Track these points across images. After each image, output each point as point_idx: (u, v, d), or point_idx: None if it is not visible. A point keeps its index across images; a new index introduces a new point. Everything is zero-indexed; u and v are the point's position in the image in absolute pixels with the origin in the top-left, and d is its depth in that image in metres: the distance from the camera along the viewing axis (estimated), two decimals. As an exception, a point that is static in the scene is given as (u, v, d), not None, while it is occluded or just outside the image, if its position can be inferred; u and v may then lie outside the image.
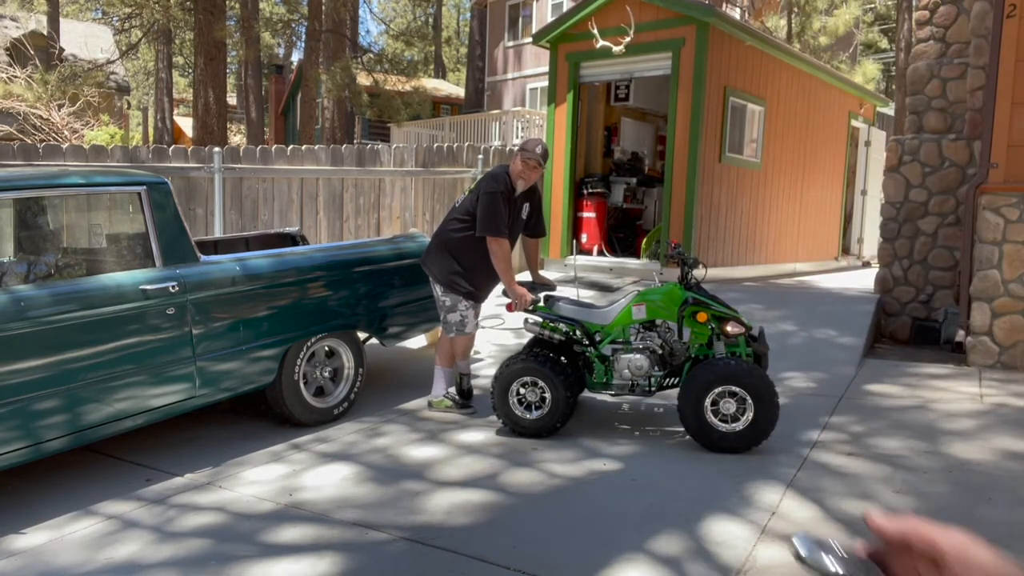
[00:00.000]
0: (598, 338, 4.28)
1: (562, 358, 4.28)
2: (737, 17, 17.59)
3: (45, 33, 22.50)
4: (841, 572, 0.55)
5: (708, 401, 3.90)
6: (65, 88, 14.66)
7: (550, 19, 16.18)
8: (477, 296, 4.61)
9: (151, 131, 30.43)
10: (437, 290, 4.54)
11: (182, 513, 3.27)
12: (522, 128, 17.16)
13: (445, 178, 8.94)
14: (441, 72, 36.86)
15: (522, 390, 4.18)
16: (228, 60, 20.58)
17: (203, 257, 3.98)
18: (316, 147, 8.48)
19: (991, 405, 4.77)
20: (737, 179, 9.15)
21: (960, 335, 6.11)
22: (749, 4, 19.94)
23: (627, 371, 4.16)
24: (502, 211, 4.33)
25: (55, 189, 3.58)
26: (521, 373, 4.15)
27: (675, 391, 4.16)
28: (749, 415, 3.87)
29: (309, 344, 4.40)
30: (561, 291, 4.60)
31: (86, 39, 24.58)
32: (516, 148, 4.62)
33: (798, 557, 0.56)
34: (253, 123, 24.44)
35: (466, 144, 10.11)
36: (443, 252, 4.52)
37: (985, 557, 0.53)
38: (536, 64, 21.19)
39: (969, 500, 3.33)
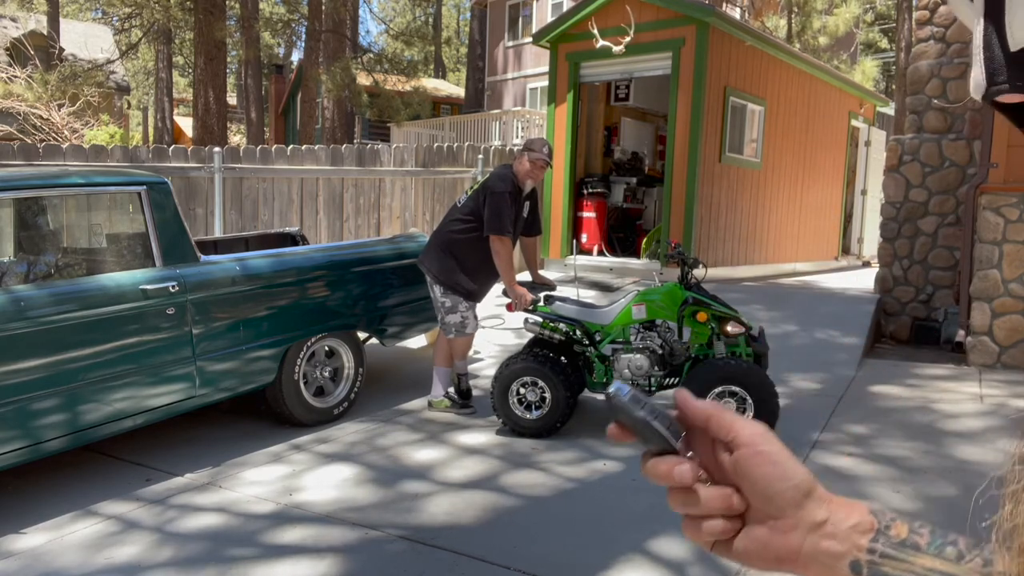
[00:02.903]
0: (598, 338, 4.28)
1: (562, 358, 4.28)
2: (737, 17, 17.59)
3: (45, 33, 22.50)
4: (644, 415, 0.55)
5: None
6: (65, 88, 14.65)
7: (550, 19, 16.18)
8: (476, 296, 4.61)
9: (151, 131, 30.43)
10: (436, 291, 4.53)
11: (182, 513, 3.27)
12: (522, 128, 17.15)
13: (445, 178, 8.94)
14: (441, 72, 36.85)
15: (522, 390, 4.18)
16: (228, 60, 20.58)
17: (203, 257, 3.98)
18: (316, 147, 8.47)
19: (991, 405, 4.77)
20: (737, 179, 9.15)
21: (960, 335, 6.11)
22: (749, 4, 19.94)
23: (627, 371, 4.16)
24: (510, 211, 4.33)
25: (55, 189, 3.58)
26: (521, 373, 4.15)
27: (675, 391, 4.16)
28: (749, 415, 3.87)
29: (309, 344, 4.40)
30: (561, 291, 4.60)
31: (86, 39, 24.57)
32: (519, 148, 4.62)
33: (608, 396, 0.56)
34: (253, 123, 24.44)
35: (466, 144, 10.11)
36: (444, 252, 4.51)
37: (777, 451, 0.54)
38: (536, 64, 21.18)
39: (969, 501, 3.33)
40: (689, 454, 0.56)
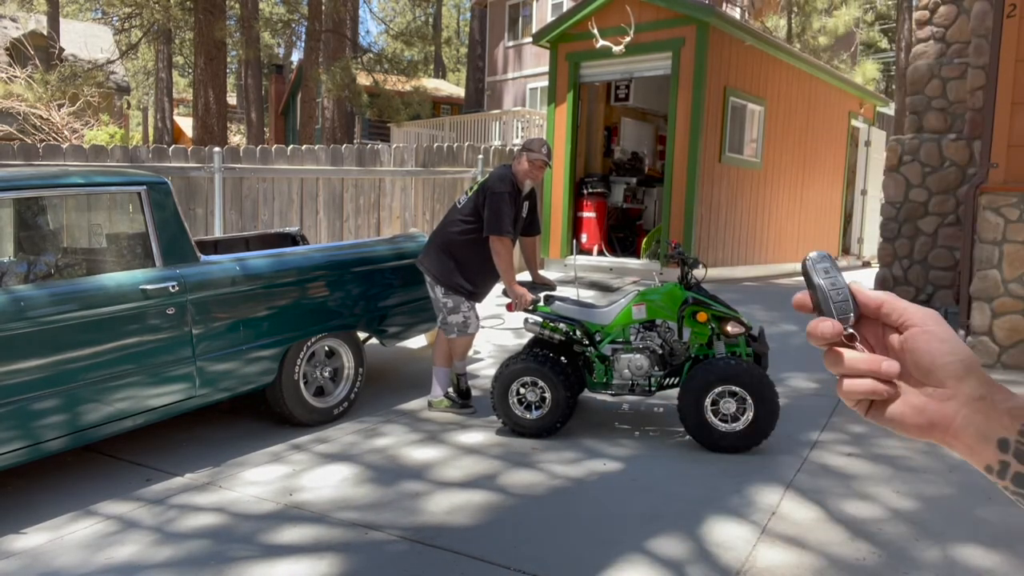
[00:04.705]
0: (598, 338, 4.28)
1: (562, 358, 4.28)
2: (737, 17, 17.58)
3: (45, 33, 22.50)
4: (821, 282, 0.61)
5: (708, 401, 3.90)
6: (65, 88, 14.65)
7: (550, 19, 16.18)
8: (477, 296, 4.61)
9: (151, 131, 30.45)
10: (437, 291, 4.53)
11: (182, 513, 3.27)
12: (522, 128, 17.15)
13: (445, 178, 8.94)
14: (441, 72, 36.84)
15: (522, 390, 4.18)
16: (228, 60, 20.58)
17: (203, 257, 3.98)
18: (316, 147, 8.47)
19: (991, 405, 4.77)
20: (737, 179, 9.15)
21: (960, 335, 6.11)
22: (749, 4, 19.94)
23: (627, 371, 4.16)
24: (510, 211, 4.34)
25: (55, 189, 3.58)
26: (521, 373, 4.15)
27: (675, 391, 4.16)
28: (749, 415, 3.87)
29: (309, 344, 4.40)
30: (561, 291, 4.60)
31: (86, 39, 24.57)
32: (519, 148, 4.62)
33: (805, 265, 0.63)
34: (253, 123, 24.44)
35: (466, 144, 10.11)
36: (444, 253, 4.51)
37: (944, 331, 0.59)
38: (536, 64, 21.18)
39: (969, 501, 3.33)
40: (849, 330, 0.60)
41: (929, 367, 0.58)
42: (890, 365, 0.59)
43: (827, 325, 0.60)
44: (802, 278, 0.63)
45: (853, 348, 0.61)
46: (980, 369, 0.58)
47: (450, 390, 4.70)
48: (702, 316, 4.05)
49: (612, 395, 4.35)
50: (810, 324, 0.61)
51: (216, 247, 5.28)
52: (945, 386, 0.58)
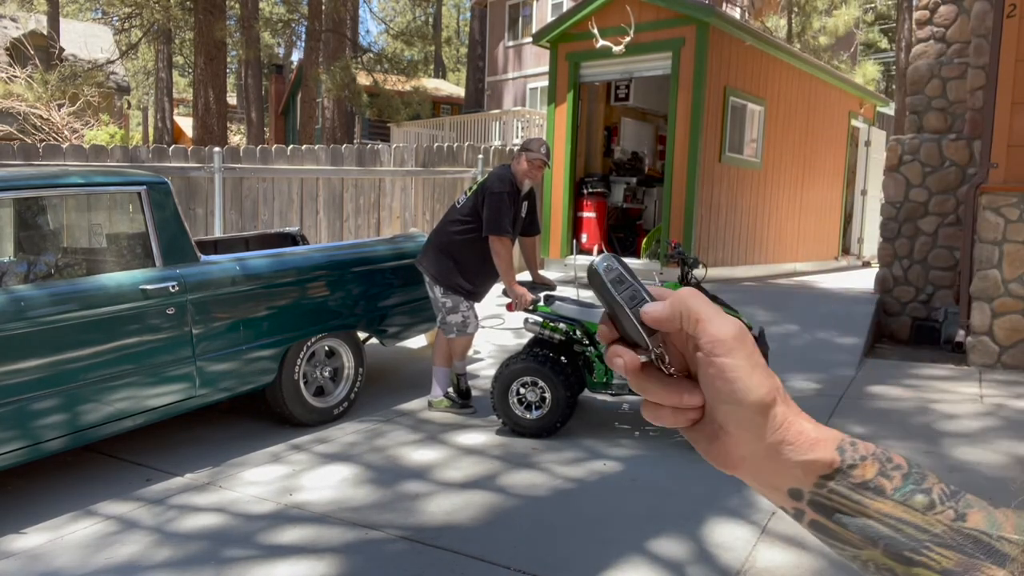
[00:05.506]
0: (598, 338, 4.27)
1: (562, 358, 4.28)
2: (737, 17, 17.58)
3: (45, 33, 22.49)
4: (623, 302, 0.51)
5: (708, 401, 3.89)
6: (65, 88, 14.65)
7: (550, 19, 16.17)
8: (476, 296, 4.61)
9: (151, 131, 30.47)
10: (436, 291, 4.53)
11: (182, 513, 3.27)
12: (522, 128, 17.15)
13: (445, 178, 8.94)
14: (441, 72, 36.84)
15: (522, 390, 4.18)
16: (228, 60, 20.58)
17: (203, 257, 3.98)
18: (316, 147, 8.47)
19: (991, 406, 4.77)
20: (737, 179, 9.15)
21: (960, 335, 6.10)
22: (749, 4, 19.95)
23: (627, 371, 4.15)
24: (509, 211, 4.34)
25: (55, 189, 3.58)
26: (521, 373, 4.15)
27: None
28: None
29: (309, 344, 4.40)
30: (561, 291, 4.60)
31: (86, 39, 24.56)
32: (518, 148, 4.63)
33: (589, 272, 0.53)
34: (253, 123, 24.44)
35: (466, 144, 10.11)
36: (443, 253, 4.51)
37: (734, 364, 0.49)
38: (536, 64, 21.18)
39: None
40: (659, 348, 0.52)
41: (712, 402, 0.51)
42: (691, 399, 0.52)
43: (620, 363, 0.52)
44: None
45: (662, 369, 0.52)
46: (775, 409, 0.49)
47: (450, 390, 4.69)
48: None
49: (612, 395, 4.35)
50: (607, 353, 0.53)
51: (216, 247, 5.28)
52: (728, 431, 0.51)
